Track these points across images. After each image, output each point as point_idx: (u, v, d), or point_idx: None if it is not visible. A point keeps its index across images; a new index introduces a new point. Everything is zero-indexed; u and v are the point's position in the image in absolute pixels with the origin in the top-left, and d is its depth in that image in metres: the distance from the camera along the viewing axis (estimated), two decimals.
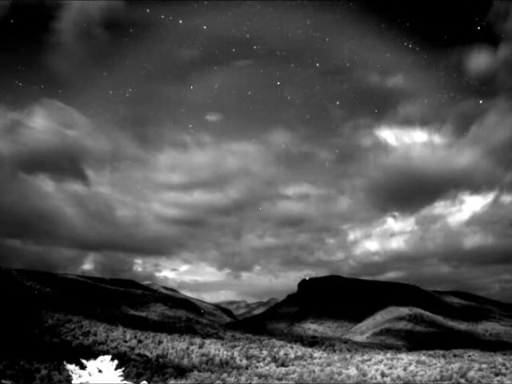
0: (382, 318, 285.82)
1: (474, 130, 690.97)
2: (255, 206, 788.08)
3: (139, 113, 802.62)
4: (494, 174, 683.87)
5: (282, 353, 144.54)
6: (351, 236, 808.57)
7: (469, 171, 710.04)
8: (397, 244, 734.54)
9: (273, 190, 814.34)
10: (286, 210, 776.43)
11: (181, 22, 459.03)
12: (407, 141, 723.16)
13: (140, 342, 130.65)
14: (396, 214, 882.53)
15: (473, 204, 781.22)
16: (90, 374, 18.04)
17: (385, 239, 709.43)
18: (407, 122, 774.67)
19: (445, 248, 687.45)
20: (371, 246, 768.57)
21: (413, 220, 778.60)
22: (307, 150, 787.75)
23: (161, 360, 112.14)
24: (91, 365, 18.21)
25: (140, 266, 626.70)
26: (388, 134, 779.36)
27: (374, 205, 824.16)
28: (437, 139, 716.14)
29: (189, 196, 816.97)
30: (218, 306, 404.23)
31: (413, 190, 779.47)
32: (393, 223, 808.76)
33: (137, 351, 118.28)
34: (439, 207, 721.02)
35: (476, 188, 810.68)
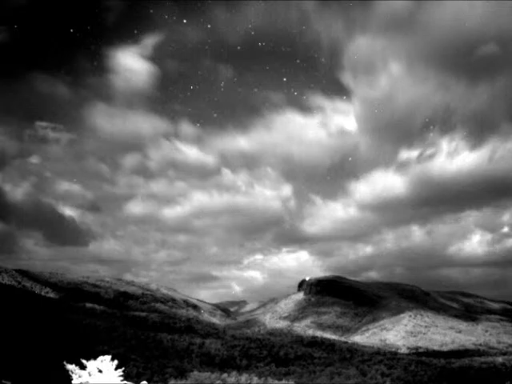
0: (381, 317, 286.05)
1: None
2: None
3: None
4: None
5: (281, 353, 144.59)
6: None
7: None
8: None
9: None
10: None
11: (185, 21, 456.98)
12: None
13: (140, 341, 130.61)
14: None
15: None
16: (90, 374, 18.08)
17: None
18: None
19: None
20: None
21: None
22: None
23: (161, 360, 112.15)
24: (91, 365, 18.25)
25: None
26: None
27: None
28: None
29: None
30: (217, 306, 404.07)
31: None
32: None
33: (137, 351, 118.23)
34: None
35: None
